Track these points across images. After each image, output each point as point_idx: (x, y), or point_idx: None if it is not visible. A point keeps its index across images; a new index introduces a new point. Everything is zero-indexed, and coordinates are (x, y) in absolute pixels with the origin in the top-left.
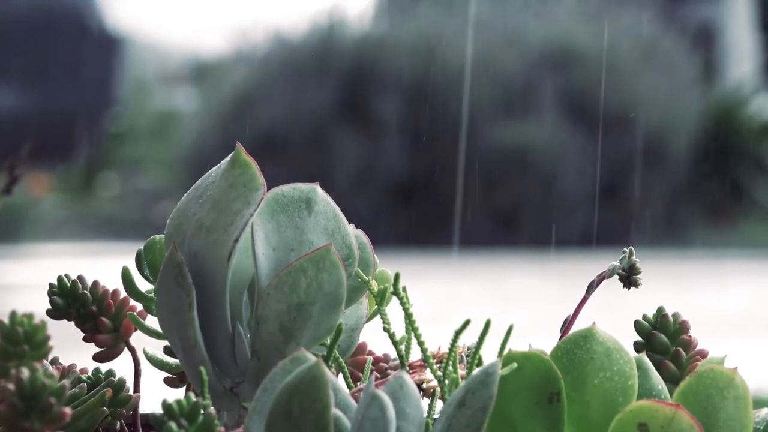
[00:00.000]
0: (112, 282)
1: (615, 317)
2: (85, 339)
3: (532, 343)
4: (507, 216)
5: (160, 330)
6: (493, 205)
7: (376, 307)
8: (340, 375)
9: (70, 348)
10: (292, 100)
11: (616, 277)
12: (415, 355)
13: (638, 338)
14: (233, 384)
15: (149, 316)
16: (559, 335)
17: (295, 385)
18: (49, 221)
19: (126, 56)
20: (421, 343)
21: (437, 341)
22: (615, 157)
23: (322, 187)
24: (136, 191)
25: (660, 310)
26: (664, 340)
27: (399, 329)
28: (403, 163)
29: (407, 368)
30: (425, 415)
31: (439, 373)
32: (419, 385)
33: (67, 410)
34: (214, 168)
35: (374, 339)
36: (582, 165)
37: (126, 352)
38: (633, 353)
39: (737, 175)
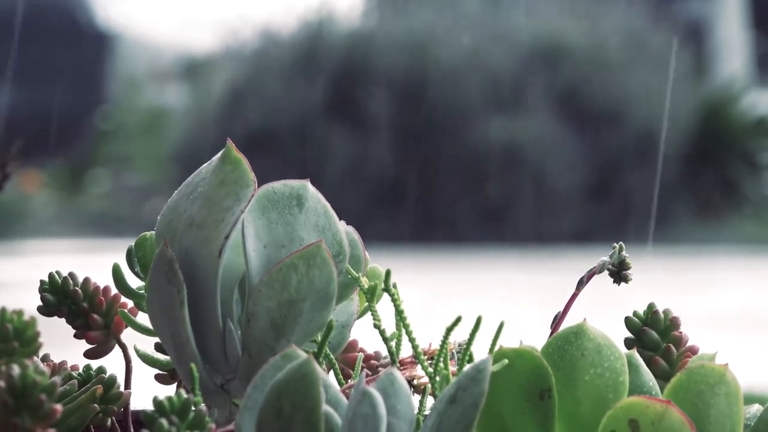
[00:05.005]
0: (103, 279)
1: (605, 313)
2: (76, 336)
3: (522, 339)
4: (497, 212)
5: (151, 327)
6: (483, 202)
7: (366, 303)
8: (331, 372)
9: (61, 345)
10: (282, 97)
11: (606, 273)
12: (405, 351)
13: (629, 334)
14: (224, 381)
15: (140, 313)
16: (550, 331)
17: (285, 381)
18: (39, 218)
19: (116, 53)
20: (411, 340)
21: (428, 338)
22: (605, 154)
23: (313, 183)
24: (127, 188)
25: (651, 306)
26: (655, 336)
27: (389, 326)
28: (393, 160)
29: (398, 365)
30: (416, 411)
31: (430, 369)
32: (410, 382)
33: (58, 407)
34: (204, 165)
35: (365, 336)
36: (573, 161)
37: (117, 349)
38: (624, 350)
39: (728, 171)
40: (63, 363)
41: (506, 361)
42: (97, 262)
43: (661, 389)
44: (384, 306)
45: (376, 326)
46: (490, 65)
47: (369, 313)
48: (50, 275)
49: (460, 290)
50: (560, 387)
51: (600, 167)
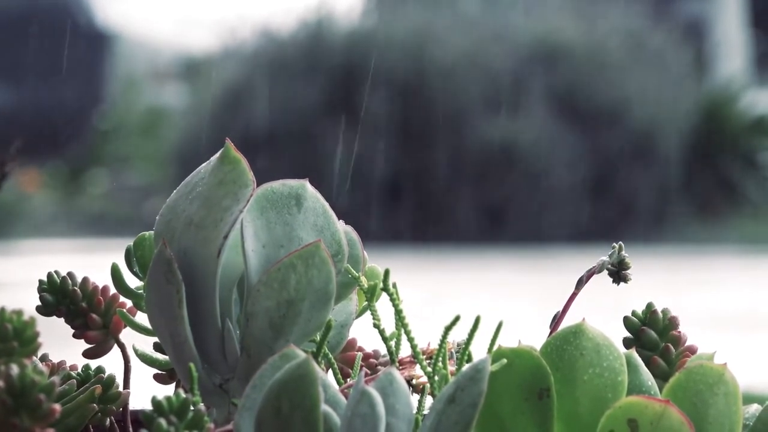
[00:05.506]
0: (102, 279)
1: (604, 313)
2: (74, 336)
3: (521, 339)
4: (496, 212)
5: (149, 326)
6: (482, 202)
7: (365, 303)
8: (330, 371)
9: (60, 345)
10: (282, 97)
11: (605, 272)
12: (404, 351)
13: (627, 334)
14: (223, 380)
15: (139, 312)
16: (549, 331)
17: (284, 381)
18: (38, 218)
19: (115, 53)
20: (410, 339)
21: (427, 337)
22: (605, 153)
23: (312, 183)
24: (126, 188)
25: (649, 306)
26: (654, 336)
27: (388, 325)
28: (392, 160)
29: (397, 364)
30: (415, 411)
31: (429, 369)
32: (409, 381)
33: (57, 407)
34: (203, 164)
35: (364, 335)
36: (572, 161)
37: (116, 349)
38: (622, 349)
39: (728, 170)
40: (62, 363)
41: (505, 360)
42: (95, 262)
43: (660, 389)
44: (383, 305)
45: (376, 326)
46: (489, 65)
47: (368, 312)
48: (49, 275)
49: (459, 290)
50: (559, 387)
51: (599, 167)
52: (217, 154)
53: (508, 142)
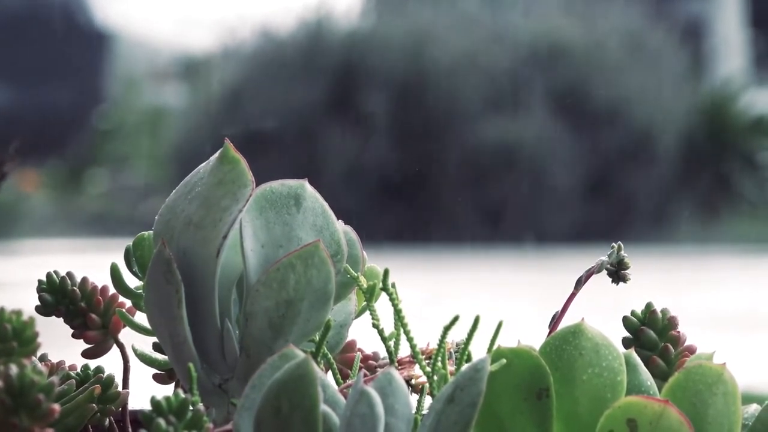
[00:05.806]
0: (101, 279)
1: (603, 313)
2: (74, 336)
3: (520, 338)
4: (496, 212)
5: (149, 326)
6: (481, 201)
7: (364, 303)
8: (329, 372)
9: (59, 345)
10: (281, 96)
11: (604, 272)
12: (404, 351)
13: (627, 334)
14: (222, 380)
15: (138, 312)
16: (548, 331)
17: (283, 381)
18: (37, 218)
19: (114, 53)
20: (410, 339)
21: (426, 337)
22: (604, 153)
23: (311, 183)
24: (125, 188)
25: (648, 305)
26: (653, 335)
27: (388, 325)
28: (391, 159)
29: (396, 364)
30: (414, 411)
31: (428, 369)
32: (408, 381)
33: (56, 407)
34: (202, 164)
35: (363, 335)
36: (571, 161)
37: (115, 349)
38: (621, 349)
39: (727, 170)
40: (61, 363)
41: (504, 360)
42: (95, 262)
43: (659, 389)
44: (382, 305)
45: (375, 326)
46: (489, 64)
47: (367, 312)
48: (48, 275)
49: (459, 290)
50: (558, 386)
51: (598, 166)
52: (216, 154)
53: (508, 142)
